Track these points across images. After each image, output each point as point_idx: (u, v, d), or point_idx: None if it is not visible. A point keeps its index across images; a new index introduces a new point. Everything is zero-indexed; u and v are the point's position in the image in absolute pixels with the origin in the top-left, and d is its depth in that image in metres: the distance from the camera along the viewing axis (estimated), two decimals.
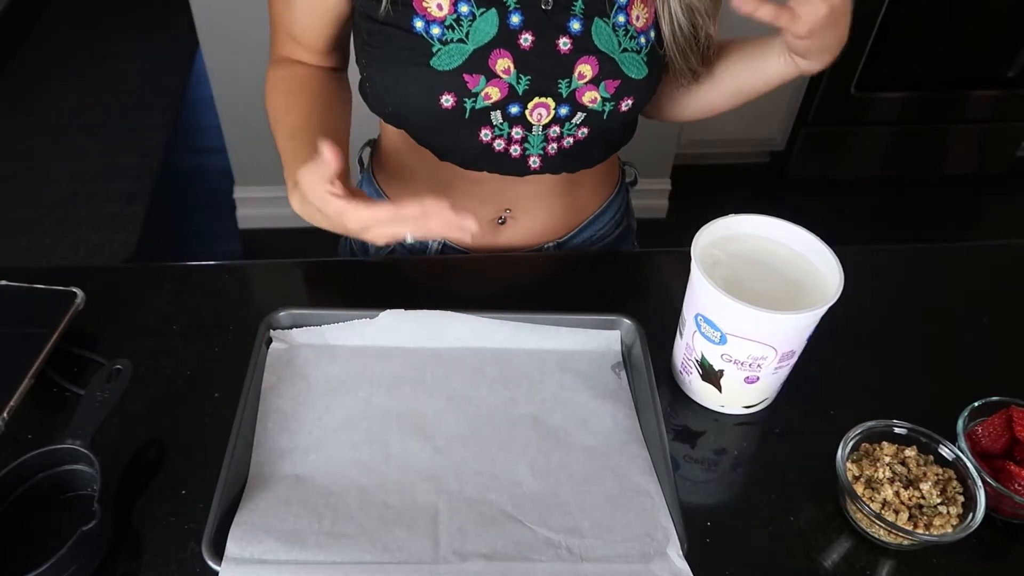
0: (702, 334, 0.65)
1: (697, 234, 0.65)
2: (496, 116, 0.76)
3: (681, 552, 0.58)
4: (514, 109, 0.76)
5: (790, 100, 2.34)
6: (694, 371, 0.69)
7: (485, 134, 0.78)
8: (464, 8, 0.71)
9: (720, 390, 0.68)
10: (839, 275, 0.63)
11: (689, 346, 0.68)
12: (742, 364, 0.64)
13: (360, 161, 0.96)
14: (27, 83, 2.83)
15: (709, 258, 0.66)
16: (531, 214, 0.88)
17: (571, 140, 0.80)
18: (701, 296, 0.63)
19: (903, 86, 2.32)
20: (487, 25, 0.71)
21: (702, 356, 0.66)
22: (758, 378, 0.65)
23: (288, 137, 0.75)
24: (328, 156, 0.59)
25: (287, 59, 0.83)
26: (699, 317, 0.64)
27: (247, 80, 1.92)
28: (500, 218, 0.87)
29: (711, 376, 0.67)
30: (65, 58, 2.96)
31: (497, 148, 0.79)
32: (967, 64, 2.28)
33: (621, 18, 0.74)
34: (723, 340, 0.63)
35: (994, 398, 0.66)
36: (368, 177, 0.94)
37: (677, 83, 0.84)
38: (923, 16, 2.15)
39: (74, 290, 0.73)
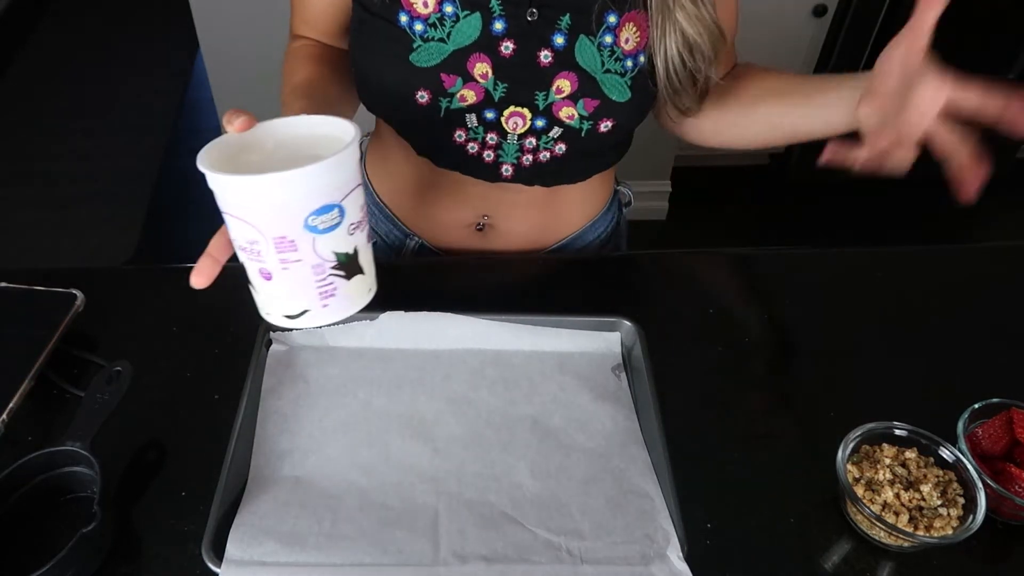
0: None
1: (204, 151, 0.54)
2: (471, 119, 0.76)
3: (681, 554, 0.58)
4: (489, 114, 0.76)
5: None
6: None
7: (459, 135, 0.78)
8: (449, 8, 0.71)
9: (254, 288, 0.59)
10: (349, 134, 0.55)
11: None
12: (247, 251, 0.56)
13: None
14: (27, 84, 2.83)
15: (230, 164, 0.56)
16: (509, 223, 0.88)
17: (547, 154, 0.80)
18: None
19: None
20: (469, 28, 0.72)
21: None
22: (270, 273, 0.57)
23: (288, 92, 0.76)
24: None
25: (303, 36, 0.86)
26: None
27: (247, 83, 1.92)
28: (479, 224, 0.88)
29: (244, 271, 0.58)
30: (65, 59, 2.96)
31: (471, 151, 0.79)
32: (967, 65, 2.26)
33: (608, 39, 0.73)
34: (223, 222, 0.56)
35: (994, 400, 0.66)
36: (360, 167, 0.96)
37: (666, 116, 0.84)
38: None
39: (74, 292, 0.73)
